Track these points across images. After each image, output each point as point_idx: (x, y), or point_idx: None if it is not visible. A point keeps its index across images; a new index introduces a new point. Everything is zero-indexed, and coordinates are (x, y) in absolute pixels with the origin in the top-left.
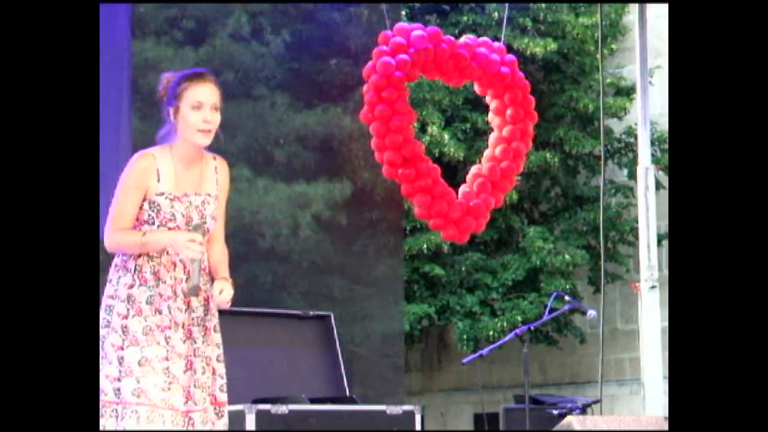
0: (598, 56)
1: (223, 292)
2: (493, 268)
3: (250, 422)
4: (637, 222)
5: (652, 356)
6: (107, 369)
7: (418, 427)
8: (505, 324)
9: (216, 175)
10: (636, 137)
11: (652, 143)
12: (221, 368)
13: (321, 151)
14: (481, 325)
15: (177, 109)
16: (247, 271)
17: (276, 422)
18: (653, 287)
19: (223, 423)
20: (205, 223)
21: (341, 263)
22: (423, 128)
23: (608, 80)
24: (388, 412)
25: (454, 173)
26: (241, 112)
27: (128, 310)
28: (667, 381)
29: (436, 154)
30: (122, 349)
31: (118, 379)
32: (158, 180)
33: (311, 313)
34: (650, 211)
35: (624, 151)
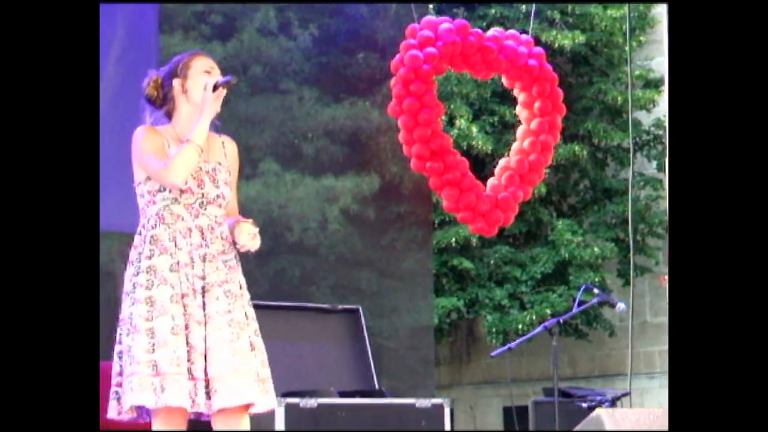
0: (627, 48)
1: (245, 228)
2: (522, 261)
3: (280, 416)
4: (666, 214)
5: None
6: (139, 343)
7: (447, 420)
8: (534, 317)
9: (224, 149)
10: (665, 129)
11: None
12: (259, 342)
13: (349, 145)
14: (510, 318)
15: (186, 77)
16: (276, 265)
17: (305, 416)
18: None
19: (271, 400)
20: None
21: (370, 257)
22: (451, 121)
23: (637, 72)
24: (417, 405)
25: (482, 166)
26: (269, 106)
27: (151, 280)
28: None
29: (464, 147)
30: (150, 320)
31: (152, 351)
32: (168, 146)
33: (340, 306)
34: None
35: (653, 143)
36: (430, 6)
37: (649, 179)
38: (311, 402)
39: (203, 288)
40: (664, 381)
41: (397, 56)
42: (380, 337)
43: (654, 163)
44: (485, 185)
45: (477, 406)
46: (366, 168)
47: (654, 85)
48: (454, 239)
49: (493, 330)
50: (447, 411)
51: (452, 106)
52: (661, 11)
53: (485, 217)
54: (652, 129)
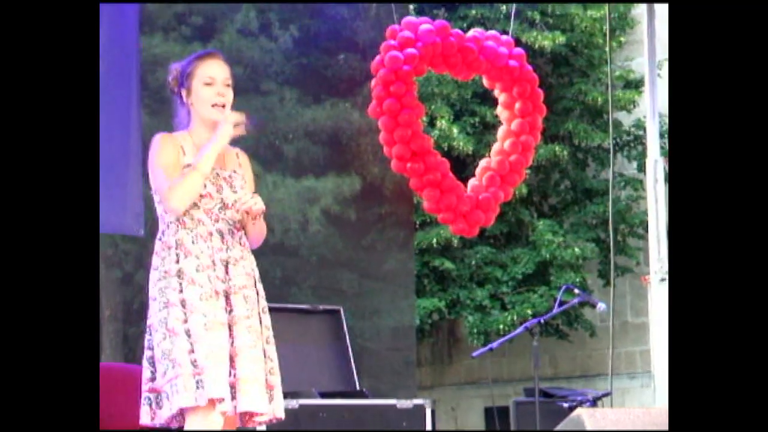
0: (607, 49)
1: (248, 198)
2: (503, 262)
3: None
4: (646, 215)
5: (663, 349)
6: (178, 346)
7: (428, 420)
8: (515, 317)
9: (238, 159)
10: (645, 130)
11: (661, 136)
12: (271, 350)
13: (330, 146)
14: (491, 318)
15: (189, 90)
16: (257, 266)
17: (286, 416)
18: (663, 280)
19: (275, 406)
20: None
21: (351, 258)
22: (432, 122)
23: (617, 73)
24: (398, 406)
25: (463, 167)
26: (250, 107)
27: (181, 283)
28: None
29: (445, 148)
30: (186, 322)
31: (192, 351)
32: (183, 154)
33: (321, 307)
34: (659, 203)
35: (633, 143)
36: (411, 7)
37: (629, 180)
38: (292, 403)
39: (226, 291)
40: (646, 381)
41: (378, 57)
42: (361, 337)
43: (634, 164)
44: (466, 186)
45: (458, 407)
46: (347, 169)
47: (634, 85)
48: (435, 240)
49: (475, 330)
50: (428, 412)
51: (433, 107)
52: (641, 12)
53: (466, 217)
54: (633, 129)
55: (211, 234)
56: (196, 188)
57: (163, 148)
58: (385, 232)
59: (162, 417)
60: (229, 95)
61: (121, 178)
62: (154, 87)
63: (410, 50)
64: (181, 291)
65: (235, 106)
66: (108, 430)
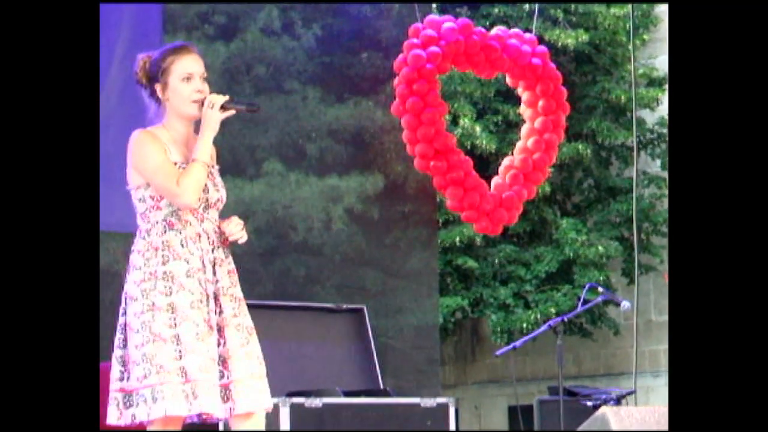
0: (630, 47)
1: (234, 219)
2: (527, 260)
3: (285, 415)
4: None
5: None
6: (164, 351)
7: (452, 419)
8: (538, 316)
9: (212, 151)
10: (668, 128)
11: None
12: (255, 341)
13: (353, 145)
14: (514, 317)
15: (165, 85)
16: (280, 264)
17: (310, 415)
18: None
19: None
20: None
21: (374, 256)
22: (455, 121)
23: (640, 71)
24: (422, 404)
25: (486, 165)
26: (273, 106)
27: (170, 287)
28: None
29: (468, 147)
30: (174, 327)
31: (180, 358)
32: (169, 153)
33: (344, 306)
34: None
35: (656, 141)
36: (434, 5)
37: (653, 178)
38: (316, 402)
39: (215, 293)
40: None
41: (401, 56)
42: (385, 336)
43: (658, 162)
44: (489, 184)
45: (482, 406)
46: (370, 167)
47: (657, 83)
48: (458, 238)
49: (498, 329)
50: (452, 410)
51: (456, 105)
52: (664, 9)
53: (489, 216)
54: (656, 127)
55: (199, 235)
56: (203, 179)
57: (151, 146)
58: (408, 231)
59: (134, 417)
60: (206, 89)
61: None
62: None
63: (433, 48)
64: (168, 295)
65: (259, 105)
66: (108, 429)
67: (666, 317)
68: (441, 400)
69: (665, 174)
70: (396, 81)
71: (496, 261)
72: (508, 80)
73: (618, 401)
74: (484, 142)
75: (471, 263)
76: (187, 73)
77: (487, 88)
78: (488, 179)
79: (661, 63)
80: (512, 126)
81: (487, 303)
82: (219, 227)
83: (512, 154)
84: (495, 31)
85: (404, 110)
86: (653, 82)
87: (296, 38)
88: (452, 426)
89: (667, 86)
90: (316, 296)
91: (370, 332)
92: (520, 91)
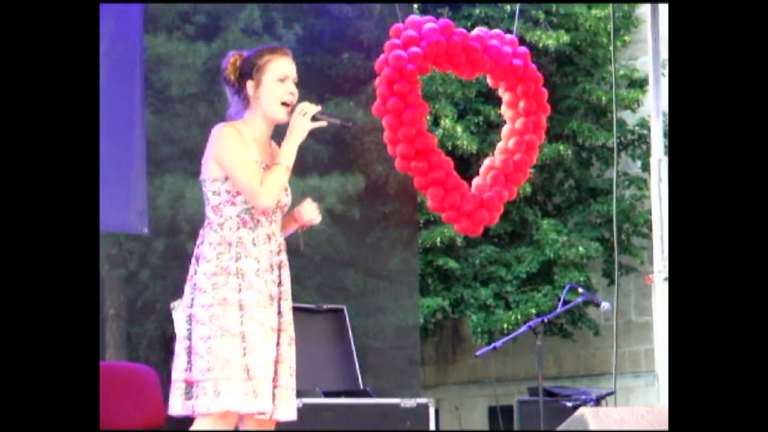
0: (611, 48)
1: (310, 201)
2: (507, 261)
3: None
4: (650, 214)
5: (667, 348)
6: (231, 346)
7: (432, 420)
8: (519, 317)
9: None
10: (649, 129)
11: (666, 135)
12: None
13: (334, 145)
14: (495, 317)
15: (258, 83)
16: None
17: None
18: (667, 279)
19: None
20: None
21: (355, 256)
22: (436, 121)
23: (621, 72)
24: (402, 405)
25: (467, 166)
26: None
27: (239, 284)
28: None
29: (449, 147)
30: (241, 324)
31: (244, 355)
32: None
33: (325, 306)
34: (663, 202)
35: (637, 143)
36: (415, 6)
37: (633, 179)
38: (296, 401)
39: (279, 296)
40: (650, 380)
41: (382, 56)
42: (365, 336)
43: (638, 163)
44: (470, 185)
45: (462, 406)
46: (351, 168)
47: (638, 84)
48: (439, 239)
49: (478, 330)
50: (432, 411)
51: (437, 106)
52: (645, 11)
53: (470, 216)
54: (637, 129)
55: (269, 236)
56: (284, 183)
57: (237, 142)
58: (389, 231)
59: (194, 409)
60: (297, 94)
61: (124, 176)
62: (158, 86)
63: (414, 49)
64: (239, 291)
65: (353, 122)
66: (109, 429)
67: (646, 318)
68: (421, 400)
69: (646, 175)
70: (377, 81)
71: (477, 261)
72: (489, 81)
73: (597, 402)
74: (465, 143)
75: (452, 264)
76: (284, 74)
77: (468, 89)
78: (469, 180)
79: (641, 64)
80: (493, 127)
81: (467, 303)
82: (290, 221)
83: (493, 154)
84: (476, 31)
85: (385, 110)
86: (634, 84)
87: (277, 38)
88: (432, 426)
89: (648, 87)
90: (296, 296)
91: (350, 332)
92: (501, 92)
